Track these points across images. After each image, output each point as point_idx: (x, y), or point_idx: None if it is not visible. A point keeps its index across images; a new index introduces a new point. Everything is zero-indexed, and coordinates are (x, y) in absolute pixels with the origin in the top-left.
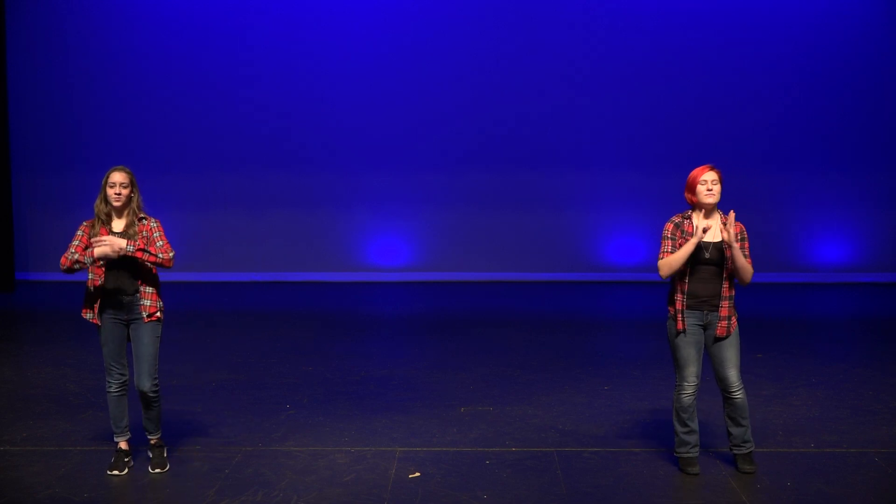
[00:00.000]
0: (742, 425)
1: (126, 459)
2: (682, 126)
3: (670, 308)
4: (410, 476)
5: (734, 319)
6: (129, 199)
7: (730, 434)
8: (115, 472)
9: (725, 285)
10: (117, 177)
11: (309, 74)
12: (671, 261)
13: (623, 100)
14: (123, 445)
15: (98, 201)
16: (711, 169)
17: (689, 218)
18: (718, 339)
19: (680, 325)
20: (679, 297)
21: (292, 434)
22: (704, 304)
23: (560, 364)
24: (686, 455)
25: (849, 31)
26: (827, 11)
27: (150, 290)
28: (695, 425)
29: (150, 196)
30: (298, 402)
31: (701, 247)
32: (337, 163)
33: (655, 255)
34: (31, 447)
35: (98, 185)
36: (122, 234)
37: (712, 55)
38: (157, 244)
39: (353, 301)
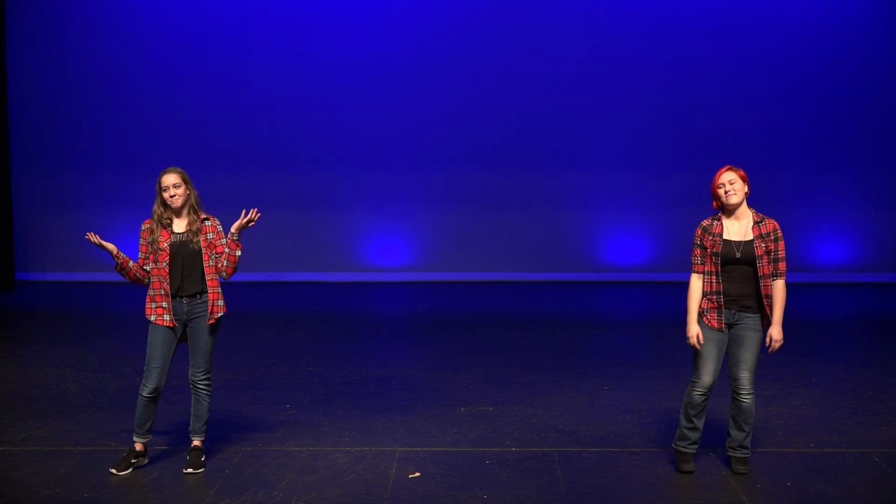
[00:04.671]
0: (743, 430)
1: (134, 461)
2: (682, 126)
3: (703, 303)
4: (410, 476)
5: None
6: (186, 197)
7: (729, 435)
8: (115, 472)
9: (764, 283)
10: (169, 178)
11: (309, 75)
12: (689, 299)
13: (623, 100)
14: (139, 447)
15: (155, 205)
16: (729, 170)
17: (719, 219)
18: (741, 340)
19: (715, 324)
20: (710, 296)
21: (292, 434)
22: (734, 303)
23: (560, 364)
24: (683, 450)
25: (849, 31)
26: (827, 12)
27: (213, 289)
28: (699, 423)
29: (151, 196)
30: (298, 402)
31: (732, 246)
32: (337, 163)
33: (655, 254)
34: (31, 447)
35: (98, 184)
36: (184, 234)
37: (712, 56)
38: (225, 250)
39: (353, 301)
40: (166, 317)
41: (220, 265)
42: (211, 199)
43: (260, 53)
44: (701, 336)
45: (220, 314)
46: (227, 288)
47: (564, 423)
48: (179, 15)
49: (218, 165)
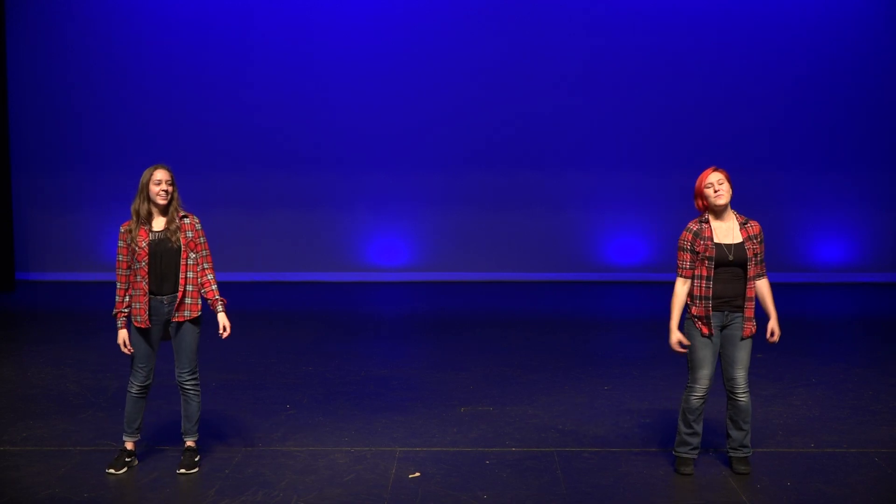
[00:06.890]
0: (743, 429)
1: (128, 459)
2: (682, 126)
3: (693, 309)
4: (410, 476)
5: (754, 322)
6: (172, 197)
7: (729, 436)
8: (112, 471)
9: (749, 286)
10: (163, 174)
11: (309, 74)
12: (673, 304)
13: (623, 100)
14: (129, 446)
15: (138, 202)
16: (715, 170)
17: (707, 221)
18: (735, 340)
19: (706, 330)
20: (702, 302)
21: (292, 434)
22: (726, 304)
23: (560, 364)
24: (684, 455)
25: (849, 31)
26: (827, 12)
27: (191, 288)
28: (699, 428)
29: None
30: (298, 402)
31: (724, 249)
32: (337, 163)
33: (655, 254)
34: (31, 447)
35: (98, 184)
36: (162, 232)
37: (712, 56)
38: (203, 253)
39: (353, 301)
40: (139, 318)
41: (205, 282)
42: (211, 199)
43: (260, 53)
44: (684, 340)
45: (195, 313)
46: (228, 288)
47: (564, 423)
48: (179, 15)
49: (218, 165)
